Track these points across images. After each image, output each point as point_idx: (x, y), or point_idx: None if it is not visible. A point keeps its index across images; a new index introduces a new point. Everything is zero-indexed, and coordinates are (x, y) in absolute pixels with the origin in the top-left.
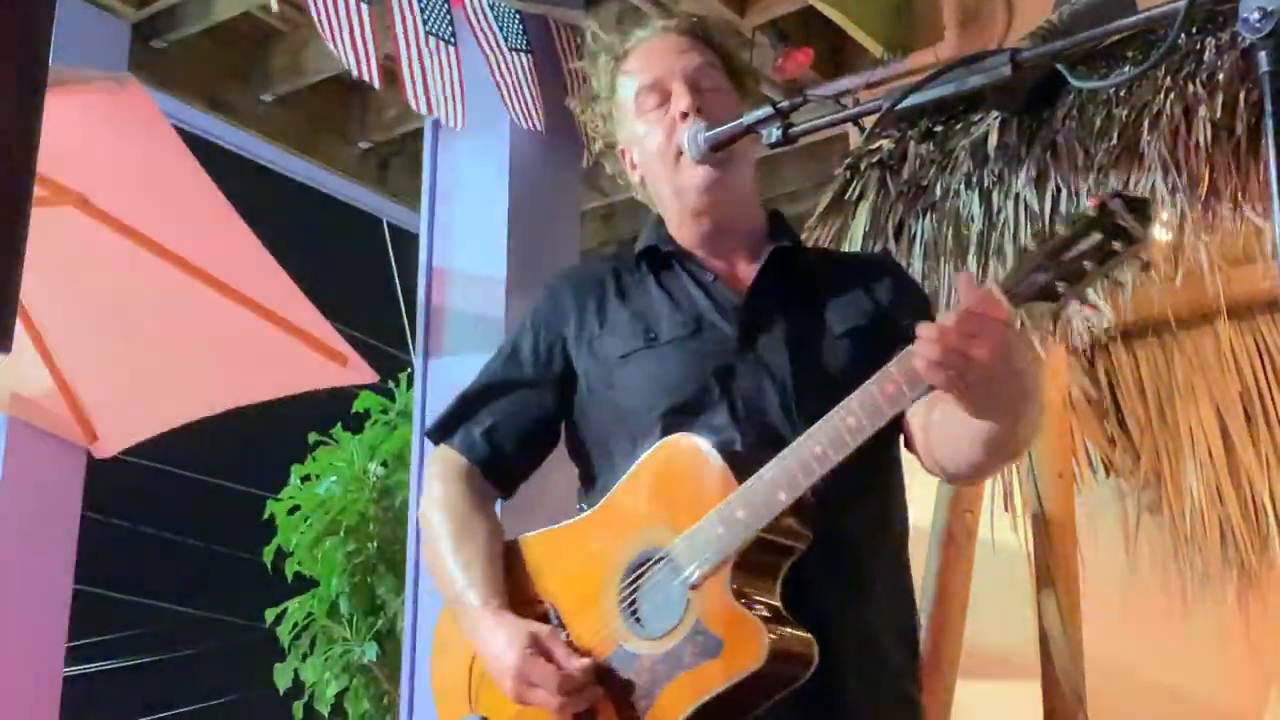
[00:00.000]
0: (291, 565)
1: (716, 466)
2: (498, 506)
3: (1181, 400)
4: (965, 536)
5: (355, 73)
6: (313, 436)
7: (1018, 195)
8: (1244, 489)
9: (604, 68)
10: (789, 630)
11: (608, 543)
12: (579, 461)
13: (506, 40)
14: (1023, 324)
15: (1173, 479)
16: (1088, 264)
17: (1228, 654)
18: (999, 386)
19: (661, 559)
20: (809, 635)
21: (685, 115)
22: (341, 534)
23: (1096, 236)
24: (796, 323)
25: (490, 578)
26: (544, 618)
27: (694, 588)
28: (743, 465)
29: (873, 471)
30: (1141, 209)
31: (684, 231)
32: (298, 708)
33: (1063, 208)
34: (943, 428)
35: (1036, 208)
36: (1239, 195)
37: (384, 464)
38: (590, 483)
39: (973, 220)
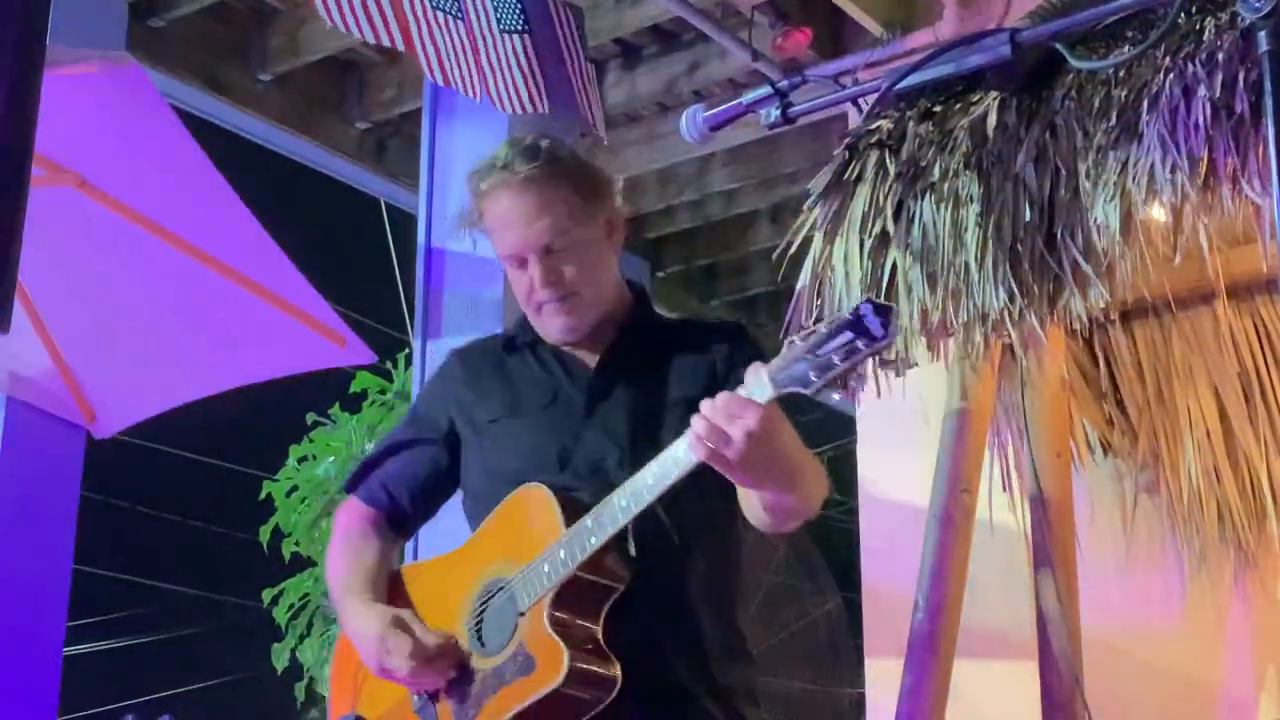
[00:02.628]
0: (289, 545)
1: (553, 511)
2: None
3: (1180, 381)
4: (963, 516)
5: (374, 39)
6: (310, 417)
7: (1017, 176)
8: (1242, 470)
9: (472, 190)
10: (593, 656)
11: (465, 573)
12: (465, 510)
13: (500, 22)
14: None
15: (1170, 460)
16: (836, 358)
17: (1224, 634)
18: (758, 463)
19: (503, 589)
20: (614, 664)
21: (540, 289)
22: None
23: (848, 335)
24: (638, 391)
25: (366, 583)
26: None
27: (522, 614)
28: (576, 512)
29: (706, 528)
30: (885, 314)
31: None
32: (299, 688)
33: (1062, 188)
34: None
35: (1035, 188)
36: (1238, 175)
37: None
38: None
39: (971, 200)
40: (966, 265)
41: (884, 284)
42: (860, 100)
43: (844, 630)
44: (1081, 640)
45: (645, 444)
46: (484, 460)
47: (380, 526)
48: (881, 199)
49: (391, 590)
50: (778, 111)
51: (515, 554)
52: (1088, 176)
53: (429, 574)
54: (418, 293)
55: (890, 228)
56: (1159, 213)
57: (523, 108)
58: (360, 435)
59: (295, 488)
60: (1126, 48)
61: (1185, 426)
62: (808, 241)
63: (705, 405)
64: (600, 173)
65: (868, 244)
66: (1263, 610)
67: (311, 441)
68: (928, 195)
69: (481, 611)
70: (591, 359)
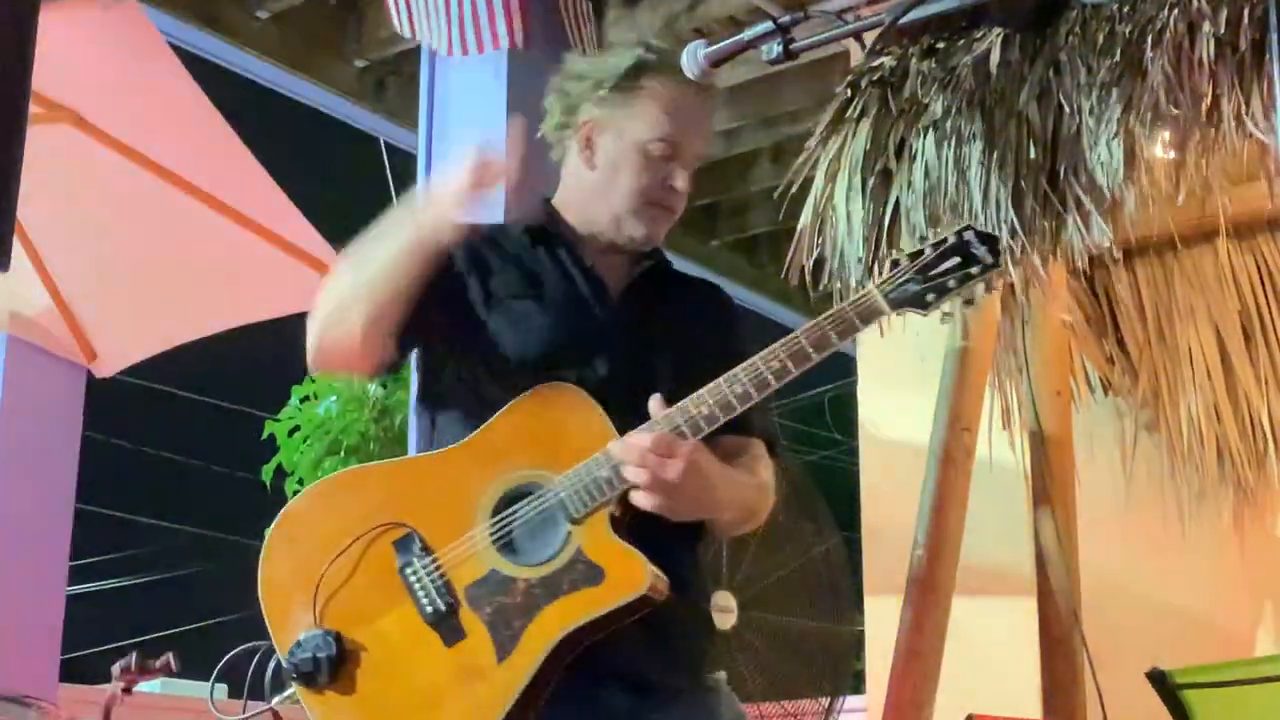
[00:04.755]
0: (291, 485)
1: (599, 416)
2: None
3: (1180, 319)
4: (963, 454)
5: None
6: None
7: (1020, 113)
8: (1241, 408)
9: (633, 59)
10: (655, 566)
11: (477, 473)
12: (464, 384)
13: None
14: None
15: (1170, 398)
16: (951, 282)
17: (1223, 571)
18: (687, 501)
19: (540, 493)
20: (664, 577)
21: (674, 190)
22: (341, 454)
23: (956, 259)
24: (658, 326)
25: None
26: (406, 540)
27: (575, 522)
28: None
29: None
30: (991, 242)
31: (579, 224)
32: None
33: (1065, 126)
34: None
35: (1039, 126)
36: (1242, 112)
37: (383, 384)
38: (439, 408)
39: (974, 138)
40: (969, 203)
41: (886, 222)
42: (863, 36)
43: (843, 568)
44: (1080, 577)
45: (659, 374)
46: (496, 338)
47: None
48: (884, 137)
49: (371, 489)
50: (779, 47)
51: (550, 456)
52: (1091, 114)
53: (420, 472)
54: None
55: (892, 166)
56: (1162, 150)
57: (504, 44)
58: None
59: (298, 427)
60: None
61: (1186, 365)
62: (809, 181)
63: (630, 448)
64: None
65: (870, 182)
66: (1261, 547)
67: (313, 381)
68: (930, 133)
69: (508, 517)
70: (611, 277)
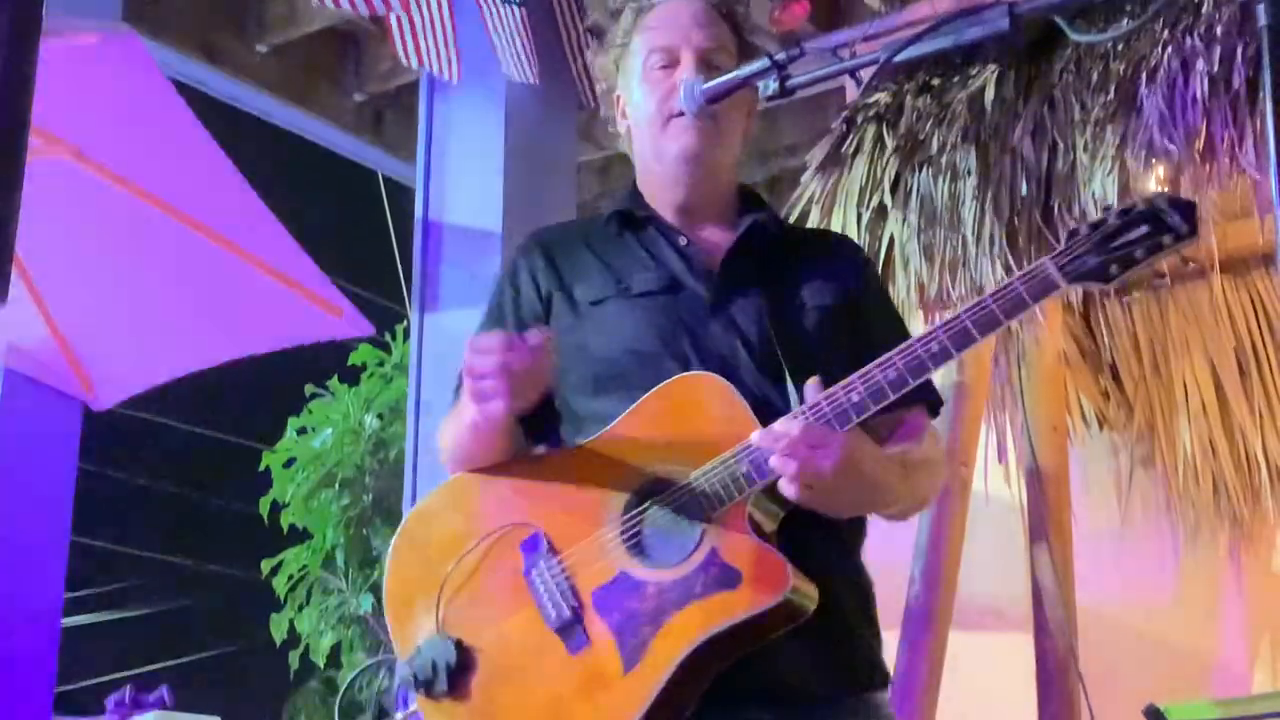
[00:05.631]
0: (287, 517)
1: (740, 406)
2: None
3: (1175, 354)
4: (960, 489)
5: (368, 11)
6: (309, 389)
7: (1014, 149)
8: (1237, 442)
9: (626, 15)
10: (800, 574)
11: (607, 471)
12: (562, 401)
13: None
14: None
15: (1166, 432)
16: (1139, 252)
17: (1219, 606)
18: (842, 496)
19: (672, 491)
20: (814, 584)
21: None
22: (336, 486)
23: (1144, 228)
24: (769, 292)
25: None
26: (533, 541)
27: (710, 521)
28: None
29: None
30: (1187, 210)
31: (659, 196)
32: (294, 658)
33: (1060, 162)
34: None
35: (1033, 161)
36: (1235, 149)
37: (379, 416)
38: (536, 422)
39: (969, 174)
40: (963, 238)
41: (881, 256)
42: (858, 73)
43: None
44: (1076, 612)
45: (779, 348)
46: (582, 345)
47: None
48: (879, 172)
49: (499, 487)
50: (775, 84)
51: (685, 451)
52: (1085, 150)
53: (549, 470)
54: (415, 265)
55: (888, 200)
56: (1156, 186)
57: (527, 77)
58: (358, 407)
59: (293, 459)
60: (1125, 21)
61: (1181, 400)
62: (805, 214)
63: (779, 437)
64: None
65: (865, 217)
66: (1257, 582)
67: (310, 413)
68: (925, 168)
69: (639, 516)
70: (708, 248)
